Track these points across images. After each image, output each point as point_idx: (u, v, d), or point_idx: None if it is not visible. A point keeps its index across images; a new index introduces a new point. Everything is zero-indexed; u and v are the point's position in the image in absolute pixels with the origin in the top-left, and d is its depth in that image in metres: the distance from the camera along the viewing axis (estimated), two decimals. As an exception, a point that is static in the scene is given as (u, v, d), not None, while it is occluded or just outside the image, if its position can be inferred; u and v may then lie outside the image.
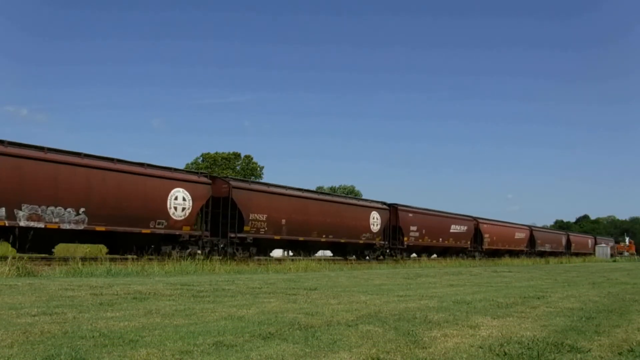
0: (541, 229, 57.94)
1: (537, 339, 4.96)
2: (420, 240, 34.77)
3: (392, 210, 32.89)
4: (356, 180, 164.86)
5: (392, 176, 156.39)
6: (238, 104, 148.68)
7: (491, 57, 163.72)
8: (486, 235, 42.92)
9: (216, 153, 67.00)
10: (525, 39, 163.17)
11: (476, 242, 41.75)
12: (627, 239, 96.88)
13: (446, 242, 38.01)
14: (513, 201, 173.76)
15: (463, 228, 39.80)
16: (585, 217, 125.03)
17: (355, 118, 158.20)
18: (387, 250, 32.45)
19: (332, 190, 78.81)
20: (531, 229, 52.10)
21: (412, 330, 5.27)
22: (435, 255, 39.84)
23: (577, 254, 61.33)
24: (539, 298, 9.16)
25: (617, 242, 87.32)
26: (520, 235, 49.56)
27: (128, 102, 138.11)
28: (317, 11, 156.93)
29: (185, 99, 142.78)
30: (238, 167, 66.67)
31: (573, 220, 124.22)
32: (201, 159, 66.83)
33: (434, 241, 36.48)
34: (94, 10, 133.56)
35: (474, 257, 39.56)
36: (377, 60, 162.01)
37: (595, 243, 71.61)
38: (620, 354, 4.52)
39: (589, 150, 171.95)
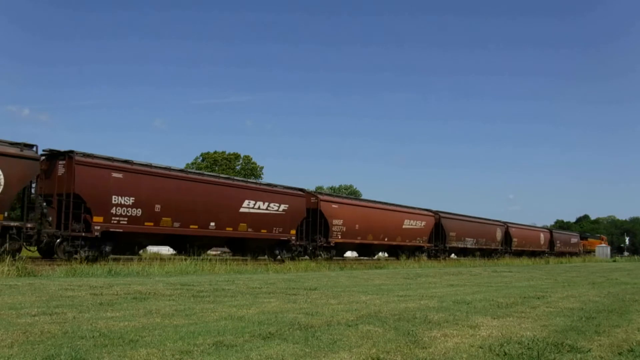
0: (457, 216, 39.96)
1: (537, 339, 4.96)
2: (165, 223, 19.43)
3: (68, 164, 17.27)
4: (356, 180, 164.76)
5: (392, 176, 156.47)
6: (238, 104, 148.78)
7: (491, 57, 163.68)
8: (337, 222, 27.61)
9: (215, 152, 67.05)
10: (526, 38, 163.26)
11: (317, 233, 26.71)
12: (627, 239, 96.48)
13: (237, 227, 22.27)
14: (514, 201, 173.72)
15: (279, 207, 24.45)
16: (585, 217, 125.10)
17: (356, 118, 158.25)
18: (60, 243, 17.13)
19: (333, 191, 78.63)
20: (439, 215, 37.09)
21: (412, 330, 5.27)
22: (217, 252, 27.79)
23: (521, 252, 47.91)
24: (539, 298, 9.16)
25: (584, 237, 75.80)
26: (416, 224, 34.31)
27: (129, 102, 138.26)
28: (318, 11, 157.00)
29: (186, 98, 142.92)
30: (238, 167, 66.72)
31: (573, 220, 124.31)
32: (201, 158, 66.89)
33: (202, 228, 20.90)
34: (95, 10, 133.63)
35: (314, 256, 26.24)
36: (377, 60, 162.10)
37: (552, 238, 57.68)
38: (620, 354, 4.52)
39: (589, 150, 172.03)
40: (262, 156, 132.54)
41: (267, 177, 70.89)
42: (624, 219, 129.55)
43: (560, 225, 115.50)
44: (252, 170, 67.59)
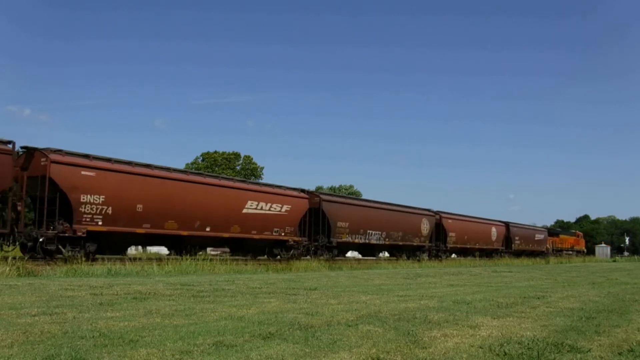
0: (349, 201, 30.16)
1: (537, 339, 4.96)
2: None
3: None
4: (356, 180, 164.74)
5: (392, 176, 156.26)
6: (238, 104, 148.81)
7: (491, 57, 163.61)
8: (92, 199, 17.47)
9: (215, 152, 67.06)
10: (526, 38, 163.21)
11: (53, 216, 16.68)
12: (627, 239, 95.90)
13: None
14: (514, 201, 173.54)
15: None
16: (586, 217, 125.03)
17: (356, 118, 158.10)
18: None
19: (333, 190, 78.58)
20: (319, 198, 26.51)
21: (412, 330, 5.27)
22: None
23: (462, 251, 38.82)
24: (539, 298, 9.16)
25: (554, 234, 62.06)
26: (271, 208, 23.61)
27: (130, 102, 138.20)
28: (317, 11, 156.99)
29: (186, 98, 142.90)
30: (238, 167, 66.72)
31: (573, 220, 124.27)
32: (201, 158, 66.89)
33: None
34: (95, 10, 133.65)
35: (44, 253, 16.63)
36: (377, 60, 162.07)
37: (508, 234, 45.82)
38: (620, 354, 4.52)
39: (589, 150, 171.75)
40: (263, 156, 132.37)
41: (267, 177, 71.00)
42: (624, 219, 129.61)
43: (560, 225, 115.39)
44: (252, 170, 67.61)
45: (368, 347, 4.44)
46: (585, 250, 70.03)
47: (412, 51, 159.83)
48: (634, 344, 4.93)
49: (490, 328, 5.59)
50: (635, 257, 72.03)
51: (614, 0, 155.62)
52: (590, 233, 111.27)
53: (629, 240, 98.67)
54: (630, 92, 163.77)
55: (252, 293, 8.79)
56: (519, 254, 46.23)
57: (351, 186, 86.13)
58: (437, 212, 36.95)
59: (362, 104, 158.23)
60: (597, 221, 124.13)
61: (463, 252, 39.02)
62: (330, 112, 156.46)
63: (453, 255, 38.89)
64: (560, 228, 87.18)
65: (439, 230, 36.39)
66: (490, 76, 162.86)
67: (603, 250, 79.85)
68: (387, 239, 30.98)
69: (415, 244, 33.53)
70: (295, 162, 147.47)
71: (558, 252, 58.34)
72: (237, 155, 68.00)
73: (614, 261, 54.48)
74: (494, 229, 43.64)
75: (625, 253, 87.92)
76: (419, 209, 35.55)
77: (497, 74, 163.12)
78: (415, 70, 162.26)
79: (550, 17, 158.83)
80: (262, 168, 69.50)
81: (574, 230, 72.36)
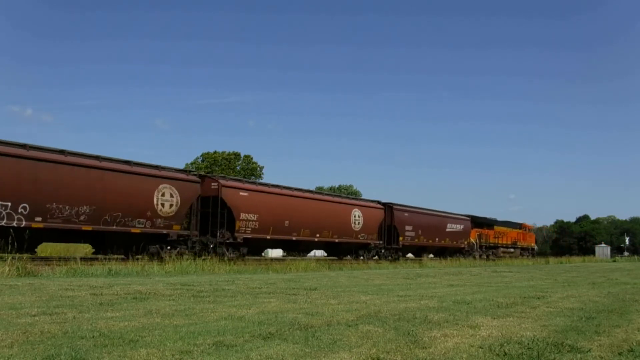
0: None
1: (537, 339, 4.96)
2: None
3: None
4: (356, 180, 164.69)
5: (392, 176, 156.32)
6: (239, 104, 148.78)
7: (491, 57, 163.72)
8: None
9: (215, 152, 67.04)
10: (525, 39, 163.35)
11: None
12: (627, 239, 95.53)
13: None
14: (515, 201, 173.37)
15: None
16: (585, 217, 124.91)
17: (355, 118, 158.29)
18: None
19: (333, 190, 78.66)
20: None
21: (412, 330, 5.27)
22: None
23: (279, 244, 25.19)
24: (539, 298, 9.16)
25: (485, 224, 43.96)
26: None
27: (130, 102, 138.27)
28: (317, 11, 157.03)
29: (187, 98, 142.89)
30: (238, 167, 66.71)
31: (573, 220, 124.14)
32: (201, 158, 66.88)
33: None
34: (95, 10, 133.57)
35: None
36: (377, 60, 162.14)
37: (392, 221, 30.83)
38: (620, 354, 4.52)
39: (589, 150, 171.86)
40: (263, 156, 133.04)
41: (267, 177, 70.94)
42: (624, 219, 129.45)
43: (560, 225, 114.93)
44: (252, 170, 67.61)
45: (368, 347, 4.44)
46: (535, 247, 54.72)
47: (412, 51, 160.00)
48: (634, 344, 4.93)
49: (490, 328, 5.59)
50: (635, 257, 71.57)
51: (614, 0, 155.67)
52: (590, 233, 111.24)
53: (629, 240, 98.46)
54: (630, 92, 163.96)
55: (252, 293, 8.78)
56: (415, 251, 33.16)
57: (351, 186, 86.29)
58: (214, 177, 22.74)
59: (362, 104, 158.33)
60: (597, 221, 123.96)
61: (290, 247, 25.51)
62: (330, 112, 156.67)
63: (271, 254, 27.12)
64: (560, 227, 78.56)
65: (224, 210, 21.33)
66: (490, 76, 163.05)
67: (603, 250, 79.83)
68: (49, 219, 16.25)
69: (139, 230, 18.62)
70: (296, 161, 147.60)
71: (491, 249, 42.74)
72: (237, 155, 68.00)
73: (614, 261, 54.41)
74: (357, 213, 28.14)
75: (625, 253, 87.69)
76: (154, 167, 19.79)
77: (497, 74, 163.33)
78: (415, 70, 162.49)
79: (550, 17, 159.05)
80: (262, 168, 69.58)
81: (519, 222, 52.64)
